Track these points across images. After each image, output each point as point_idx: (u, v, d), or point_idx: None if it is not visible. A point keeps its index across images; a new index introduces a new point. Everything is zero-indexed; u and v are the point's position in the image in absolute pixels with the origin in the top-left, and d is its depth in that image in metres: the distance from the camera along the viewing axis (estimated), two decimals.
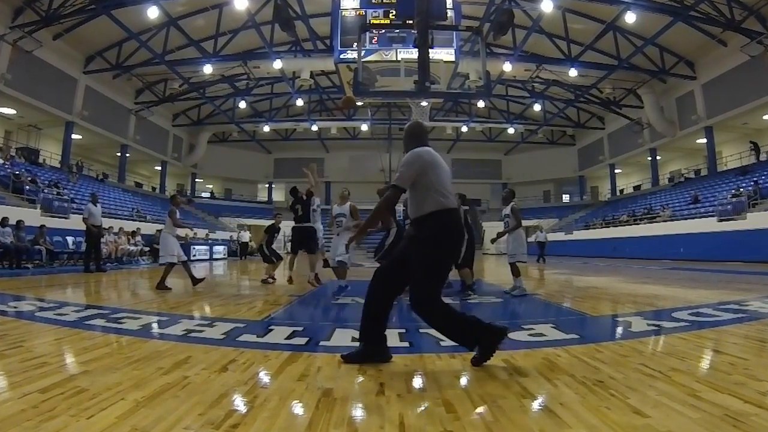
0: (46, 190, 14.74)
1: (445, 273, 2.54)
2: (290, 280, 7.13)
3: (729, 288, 6.53)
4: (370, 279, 2.58)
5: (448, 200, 2.48)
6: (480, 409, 1.77)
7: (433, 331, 3.31)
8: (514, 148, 34.28)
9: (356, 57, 9.01)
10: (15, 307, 4.30)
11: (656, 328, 3.48)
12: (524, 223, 6.48)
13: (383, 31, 10.87)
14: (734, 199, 15.83)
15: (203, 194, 34.36)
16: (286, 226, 8.80)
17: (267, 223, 10.22)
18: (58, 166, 19.68)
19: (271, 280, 7.73)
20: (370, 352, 2.48)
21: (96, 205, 9.76)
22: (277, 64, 18.81)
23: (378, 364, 2.42)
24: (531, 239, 21.55)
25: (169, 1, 16.47)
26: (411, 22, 7.86)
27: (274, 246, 8.56)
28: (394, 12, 10.58)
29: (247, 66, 20.17)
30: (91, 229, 9.49)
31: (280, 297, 5.72)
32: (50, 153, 20.16)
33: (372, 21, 10.88)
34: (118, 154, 24.63)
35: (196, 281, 6.74)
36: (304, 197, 7.02)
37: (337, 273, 5.65)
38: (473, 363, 2.38)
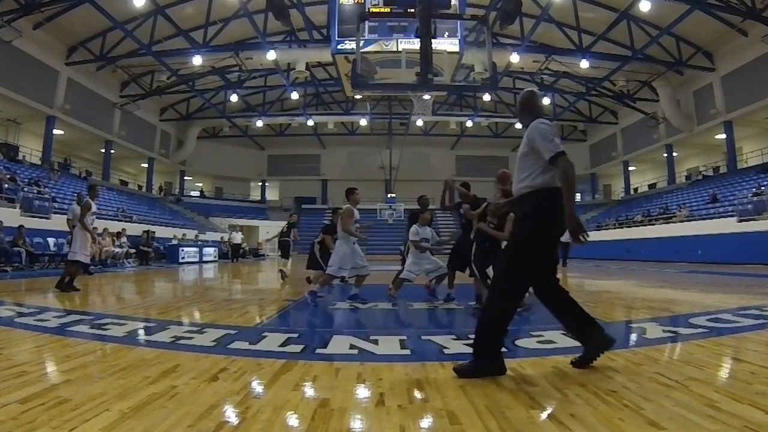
0: (26, 189, 14.73)
1: (534, 260, 2.48)
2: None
3: (750, 292, 6.51)
4: (490, 285, 2.58)
5: (555, 180, 2.50)
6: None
7: (435, 338, 3.34)
8: None
9: (355, 47, 9.02)
10: None
11: (672, 334, 3.48)
12: None
13: (383, 19, 10.86)
14: (755, 198, 15.79)
15: (192, 193, 34.39)
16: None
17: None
18: (39, 163, 19.67)
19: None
20: (486, 366, 2.40)
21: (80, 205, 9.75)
22: (271, 55, 18.80)
23: (379, 372, 2.43)
24: None
25: None
26: (413, 10, 7.85)
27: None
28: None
29: (239, 57, 20.13)
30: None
31: (274, 302, 5.72)
32: (30, 149, 20.14)
33: (371, 9, 10.85)
34: (102, 150, 24.60)
35: (70, 286, 6.21)
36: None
37: (358, 282, 5.60)
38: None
